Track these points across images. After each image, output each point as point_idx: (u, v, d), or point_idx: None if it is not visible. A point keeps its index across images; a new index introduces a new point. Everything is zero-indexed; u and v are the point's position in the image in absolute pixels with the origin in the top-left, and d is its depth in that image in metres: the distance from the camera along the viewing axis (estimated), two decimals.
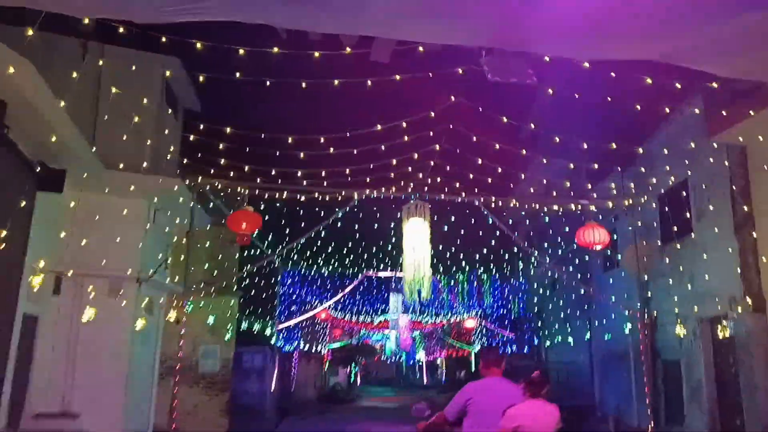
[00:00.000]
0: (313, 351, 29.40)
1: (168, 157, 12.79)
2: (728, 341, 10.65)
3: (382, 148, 7.65)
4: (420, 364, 50.67)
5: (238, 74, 6.11)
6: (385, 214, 12.13)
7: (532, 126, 10.89)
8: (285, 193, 9.53)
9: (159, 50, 11.99)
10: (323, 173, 8.52)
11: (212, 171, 9.85)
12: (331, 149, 7.68)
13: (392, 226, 12.54)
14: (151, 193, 11.90)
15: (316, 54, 5.35)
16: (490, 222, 11.42)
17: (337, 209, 9.70)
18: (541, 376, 5.35)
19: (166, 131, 12.90)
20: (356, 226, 13.47)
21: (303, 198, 9.55)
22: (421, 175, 9.43)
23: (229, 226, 9.23)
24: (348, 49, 5.31)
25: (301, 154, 7.65)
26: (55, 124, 8.56)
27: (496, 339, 28.86)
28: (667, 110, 10.66)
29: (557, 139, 11.02)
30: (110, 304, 11.36)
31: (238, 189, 9.55)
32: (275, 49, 5.30)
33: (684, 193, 12.27)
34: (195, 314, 14.18)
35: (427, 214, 9.52)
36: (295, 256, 16.97)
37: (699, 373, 11.62)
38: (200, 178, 9.83)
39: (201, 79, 7.45)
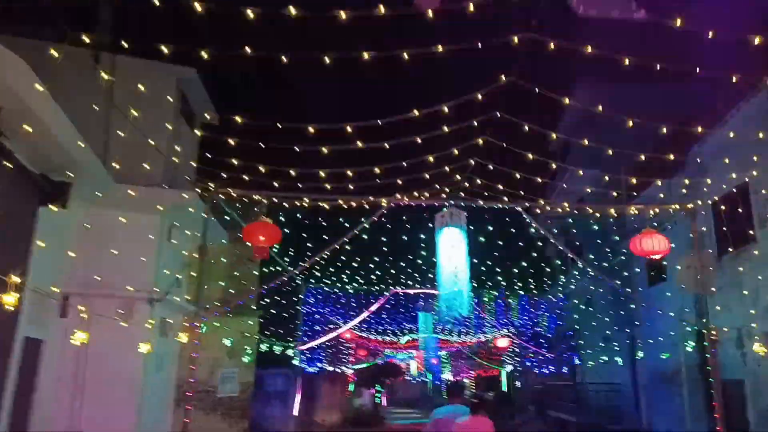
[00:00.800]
0: (337, 372, 28.39)
1: (184, 172, 12.09)
2: None
3: (418, 140, 6.72)
4: (447, 384, 49.30)
5: (250, 53, 5.24)
6: (415, 223, 11.23)
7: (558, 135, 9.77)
8: (306, 201, 8.62)
9: (174, 60, 11.46)
10: (349, 174, 7.60)
11: (228, 180, 9.02)
12: (359, 143, 6.76)
13: (423, 237, 11.63)
14: (165, 208, 11.15)
15: (343, 15, 4.48)
16: (532, 230, 10.37)
17: (362, 219, 8.79)
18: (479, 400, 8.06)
19: (182, 144, 12.23)
20: (384, 239, 12.54)
21: (326, 206, 8.65)
22: (458, 177, 8.47)
23: (246, 240, 8.38)
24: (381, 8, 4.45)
25: (324, 149, 6.74)
26: (56, 131, 7.83)
27: (530, 359, 27.56)
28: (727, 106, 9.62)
29: (586, 143, 9.71)
30: (121, 326, 10.59)
31: (255, 197, 8.66)
32: (291, 10, 4.45)
33: (744, 199, 11.15)
34: (212, 336, 13.34)
35: (463, 222, 8.59)
36: (318, 273, 16.09)
37: None
38: (214, 186, 8.98)
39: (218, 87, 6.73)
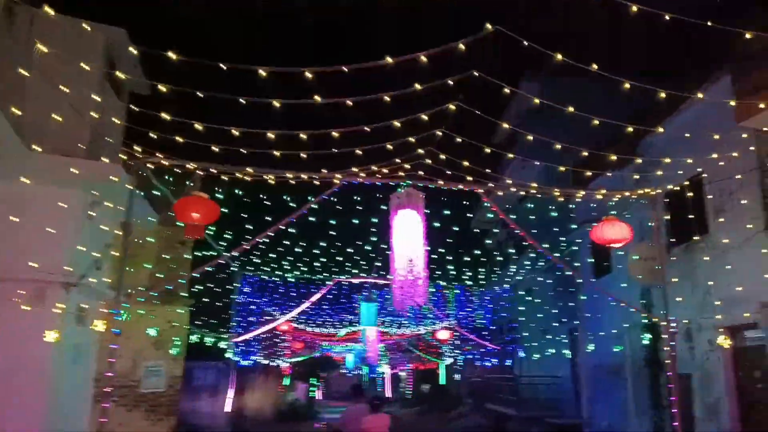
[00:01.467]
0: (272, 365, 27.33)
1: (109, 144, 10.85)
2: (756, 352, 9.35)
3: (386, 98, 5.89)
4: (383, 377, 48.92)
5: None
6: (367, 205, 10.40)
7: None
8: (248, 174, 7.66)
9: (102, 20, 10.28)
10: (302, 136, 6.67)
11: (158, 149, 7.96)
12: (317, 97, 5.87)
13: (375, 221, 10.85)
14: (88, 182, 9.93)
15: None
16: (490, 215, 9.80)
17: (310, 197, 7.95)
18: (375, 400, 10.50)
19: (108, 114, 10.98)
20: (332, 221, 11.59)
21: (271, 180, 7.73)
22: (421, 151, 7.70)
23: (177, 217, 7.40)
24: None
25: (275, 102, 5.81)
26: None
27: (471, 351, 27.33)
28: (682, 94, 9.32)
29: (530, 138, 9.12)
30: (31, 313, 9.36)
31: (190, 167, 7.63)
32: None
33: (697, 190, 10.99)
34: (137, 325, 12.16)
35: (420, 204, 7.90)
36: (257, 259, 15.01)
37: (718, 389, 10.30)
38: (141, 155, 7.92)
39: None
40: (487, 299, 25.03)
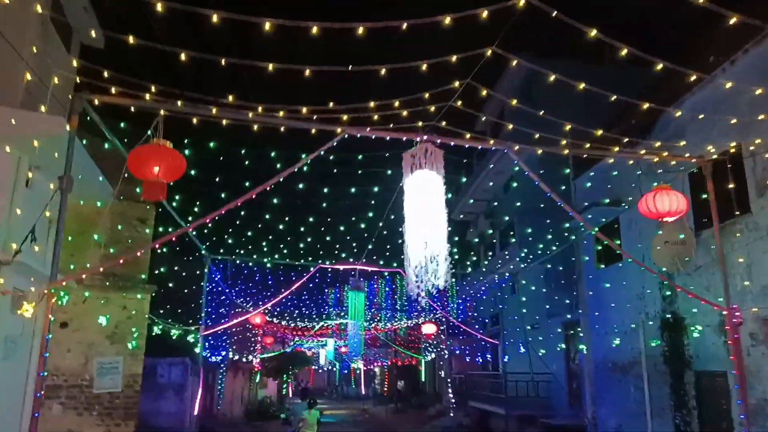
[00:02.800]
0: (242, 361, 25.55)
1: (53, 98, 9.07)
2: None
3: (403, 27, 4.41)
4: (358, 372, 47.40)
5: None
6: (367, 169, 8.78)
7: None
8: (226, 118, 6.01)
9: None
10: (305, 71, 5.10)
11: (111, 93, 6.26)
12: (314, 28, 4.38)
13: (375, 191, 9.27)
14: (24, 140, 8.17)
15: None
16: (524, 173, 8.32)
17: (303, 156, 6.35)
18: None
19: (53, 65, 9.20)
20: (322, 190, 9.90)
21: (254, 127, 6.09)
22: (433, 109, 6.23)
23: (133, 171, 5.74)
24: None
25: (266, 24, 4.26)
26: None
27: (455, 347, 25.96)
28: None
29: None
30: None
31: (150, 105, 5.95)
32: None
33: (735, 165, 9.70)
34: (88, 315, 10.43)
35: (440, 163, 6.40)
36: (230, 239, 13.18)
37: (762, 388, 9.05)
38: (89, 97, 6.21)
39: None
40: (481, 292, 23.65)
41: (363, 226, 12.00)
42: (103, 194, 10.21)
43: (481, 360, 25.28)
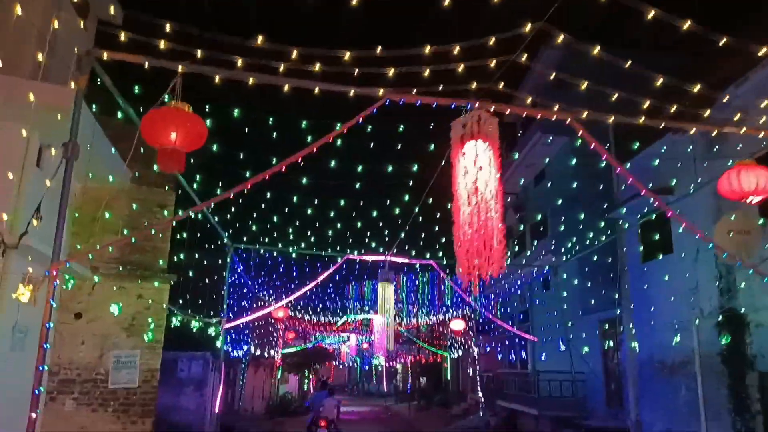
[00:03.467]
0: (263, 356, 24.99)
1: (66, 70, 8.44)
2: None
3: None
4: (380, 369, 46.71)
5: None
6: (413, 138, 7.93)
7: None
8: (252, 79, 5.27)
9: None
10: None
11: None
12: None
13: (412, 171, 8.45)
14: (36, 116, 7.55)
15: None
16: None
17: (338, 124, 5.60)
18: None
19: (68, 39, 8.60)
20: (355, 169, 9.00)
21: (284, 88, 5.34)
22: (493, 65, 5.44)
23: (146, 138, 5.04)
24: None
25: None
26: None
27: (486, 343, 25.07)
28: None
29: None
30: None
31: (170, 65, 5.23)
32: None
33: None
34: (104, 305, 9.81)
35: (495, 133, 5.61)
36: (254, 225, 12.47)
37: None
38: (102, 53, 5.51)
39: None
40: (496, 287, 22.74)
41: (397, 211, 11.18)
42: (116, 172, 9.58)
43: (514, 358, 24.35)
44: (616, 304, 15.75)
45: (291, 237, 12.86)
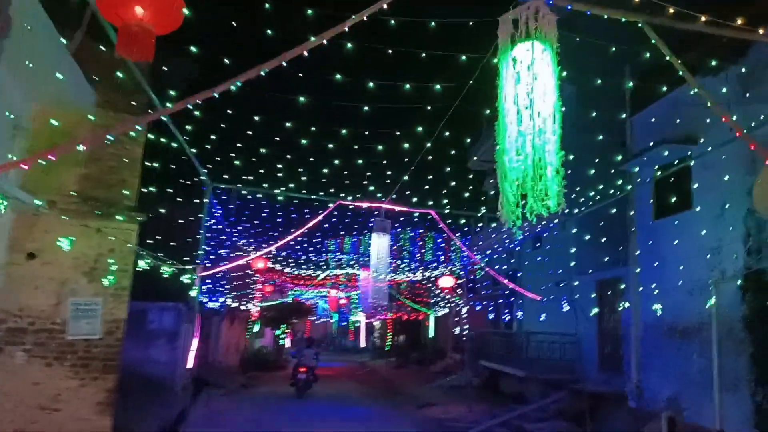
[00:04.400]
0: (239, 309, 23.92)
1: None
2: None
3: None
4: (357, 326, 46.16)
5: None
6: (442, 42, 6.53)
7: None
8: None
9: None
10: None
11: None
12: None
13: (436, 89, 7.09)
14: None
15: None
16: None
17: (350, 16, 4.37)
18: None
19: None
20: (365, 84, 7.51)
21: None
22: None
23: (104, 14, 3.76)
24: None
25: None
26: None
27: (476, 301, 24.30)
28: None
29: None
30: None
31: None
32: None
33: None
34: (62, 246, 8.52)
35: (552, 32, 4.42)
36: (237, 160, 10.93)
37: None
38: None
39: None
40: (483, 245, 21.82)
41: (406, 145, 9.83)
42: (80, 94, 8.21)
43: (498, 317, 23.62)
44: (621, 263, 14.92)
45: (278, 176, 11.43)
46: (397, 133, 9.51)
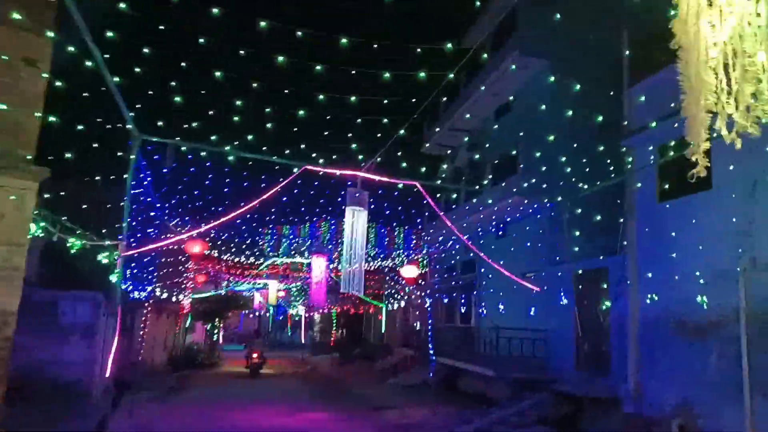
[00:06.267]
0: (168, 300, 21.17)
1: None
2: None
3: None
4: (297, 319, 43.67)
5: None
6: None
7: None
8: None
9: None
10: None
11: None
12: None
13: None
14: None
15: None
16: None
17: None
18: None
19: None
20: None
21: None
22: None
23: None
24: None
25: None
26: None
27: (434, 294, 22.50)
28: None
29: None
30: None
31: None
32: None
33: None
34: None
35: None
36: (173, 102, 8.11)
37: None
38: None
39: None
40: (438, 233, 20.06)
41: (397, 98, 7.72)
42: None
43: (464, 311, 21.95)
44: (608, 252, 13.51)
45: (232, 129, 8.90)
46: (386, 74, 7.45)
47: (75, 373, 13.66)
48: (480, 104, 20.26)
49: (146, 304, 17.65)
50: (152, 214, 12.96)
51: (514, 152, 18.16)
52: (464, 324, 22.31)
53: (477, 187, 19.02)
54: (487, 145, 20.39)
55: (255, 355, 24.04)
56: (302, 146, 9.57)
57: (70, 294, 12.89)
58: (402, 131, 10.61)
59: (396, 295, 24.88)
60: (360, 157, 11.27)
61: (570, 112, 14.38)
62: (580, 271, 14.80)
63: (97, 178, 8.50)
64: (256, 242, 17.31)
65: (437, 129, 23.03)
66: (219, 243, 16.71)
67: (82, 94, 7.38)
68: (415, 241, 20.08)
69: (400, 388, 20.67)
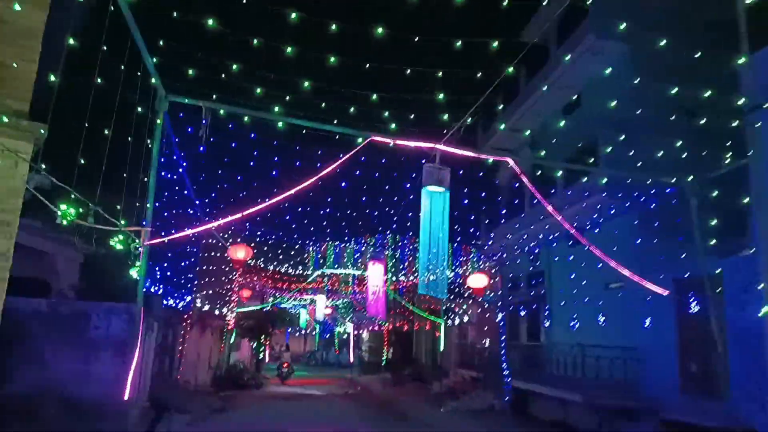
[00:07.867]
0: (212, 314, 19.69)
1: None
2: None
3: None
4: (345, 337, 41.84)
5: None
6: None
7: None
8: None
9: None
10: None
11: None
12: None
13: None
14: None
15: None
16: None
17: None
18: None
19: None
20: None
21: None
22: None
23: None
24: None
25: None
26: None
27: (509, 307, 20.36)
28: None
29: None
30: None
31: None
32: None
33: None
34: None
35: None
36: (207, 64, 6.18)
37: None
38: None
39: None
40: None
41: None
42: None
43: (547, 325, 19.69)
44: (722, 254, 11.31)
45: (281, 94, 7.02)
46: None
47: (104, 391, 12.28)
48: (545, 100, 18.38)
49: (186, 316, 16.14)
50: (178, 191, 11.05)
51: (591, 148, 16.06)
52: (532, 341, 20.12)
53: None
54: (554, 141, 18.29)
55: (285, 365, 29.08)
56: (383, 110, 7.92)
57: (103, 306, 11.61)
58: (473, 110, 8.90)
59: (458, 310, 22.77)
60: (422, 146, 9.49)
61: (658, 95, 12.34)
62: (684, 278, 12.58)
63: (116, 155, 6.78)
64: (305, 248, 15.64)
65: (499, 127, 21.09)
66: (265, 249, 15.09)
67: (95, 44, 5.83)
68: (476, 247, 18.08)
69: (464, 413, 18.56)
